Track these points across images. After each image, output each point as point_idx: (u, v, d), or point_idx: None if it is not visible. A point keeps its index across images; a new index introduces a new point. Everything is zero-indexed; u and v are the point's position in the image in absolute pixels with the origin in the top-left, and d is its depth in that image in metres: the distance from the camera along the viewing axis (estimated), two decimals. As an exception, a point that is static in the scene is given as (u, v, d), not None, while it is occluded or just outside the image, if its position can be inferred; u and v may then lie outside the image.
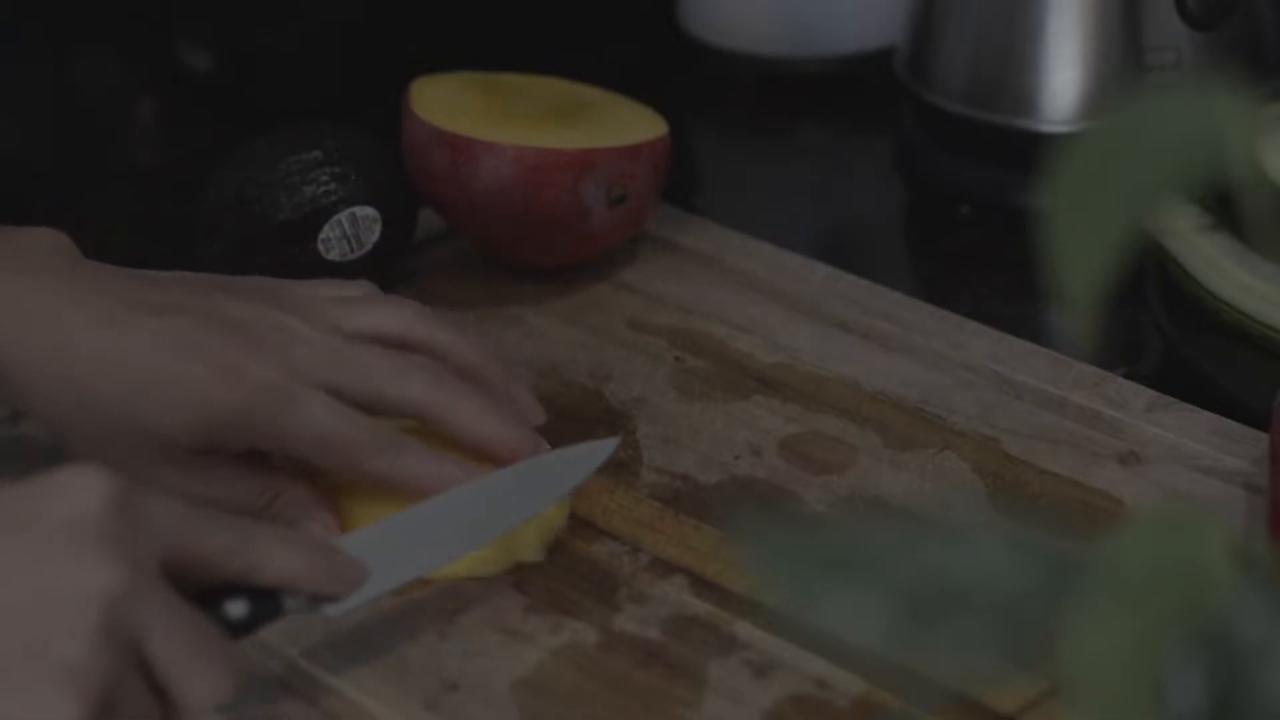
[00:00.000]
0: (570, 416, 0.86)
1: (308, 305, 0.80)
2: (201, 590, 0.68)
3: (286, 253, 0.90)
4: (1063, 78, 1.02)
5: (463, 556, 0.76)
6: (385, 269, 0.94)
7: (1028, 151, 1.02)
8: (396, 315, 0.81)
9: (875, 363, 0.89)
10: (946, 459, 0.83)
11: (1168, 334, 0.89)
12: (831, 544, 0.45)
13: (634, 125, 0.95)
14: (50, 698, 0.65)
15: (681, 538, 0.79)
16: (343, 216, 0.91)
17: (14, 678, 0.65)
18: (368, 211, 0.91)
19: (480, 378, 0.81)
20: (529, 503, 0.77)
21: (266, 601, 0.70)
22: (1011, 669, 0.44)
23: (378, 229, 0.92)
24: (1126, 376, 0.87)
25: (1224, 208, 0.91)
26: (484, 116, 0.93)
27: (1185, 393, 0.85)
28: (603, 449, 0.80)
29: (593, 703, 0.71)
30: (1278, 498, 0.75)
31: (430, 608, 0.76)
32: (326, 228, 0.91)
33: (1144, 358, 0.92)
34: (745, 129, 1.19)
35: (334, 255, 0.91)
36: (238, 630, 0.69)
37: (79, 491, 0.67)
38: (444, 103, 0.94)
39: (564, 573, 0.77)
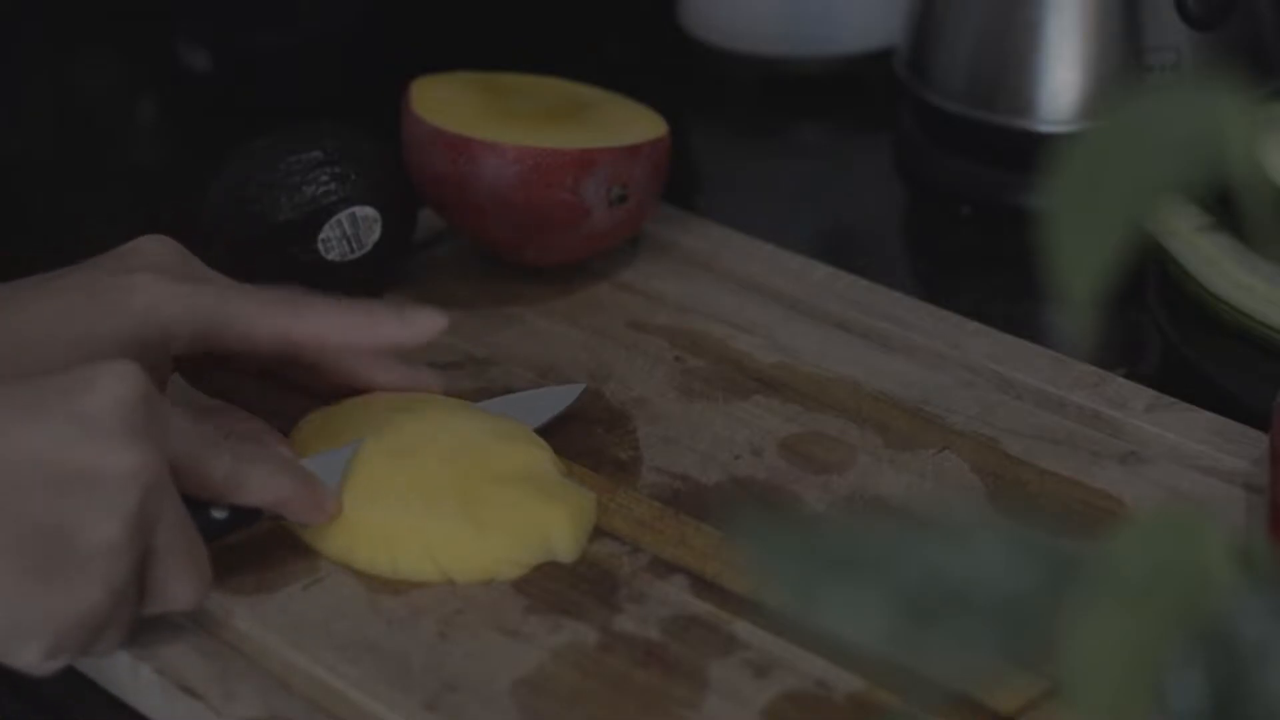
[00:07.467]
0: (570, 416, 0.86)
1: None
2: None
3: (286, 253, 0.90)
4: (1063, 78, 1.03)
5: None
6: (385, 269, 0.94)
7: (1028, 151, 1.02)
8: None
9: (875, 363, 0.89)
10: (946, 459, 0.83)
11: (1168, 334, 0.89)
12: (831, 544, 0.45)
13: (634, 125, 0.95)
14: (80, 580, 0.66)
15: (681, 538, 0.79)
16: (343, 216, 0.91)
17: (43, 560, 0.66)
18: (368, 211, 0.91)
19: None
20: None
21: (246, 512, 0.75)
22: (1011, 669, 0.44)
23: (378, 229, 0.92)
24: (1126, 376, 0.87)
25: (1224, 208, 0.91)
26: (484, 116, 0.93)
27: (1185, 393, 0.85)
28: (569, 393, 0.85)
29: (593, 703, 0.71)
30: (1278, 498, 0.75)
31: (430, 608, 0.76)
32: (326, 228, 0.91)
33: (1144, 358, 0.92)
34: (745, 129, 1.19)
35: (334, 255, 0.91)
36: (210, 533, 0.73)
37: (112, 379, 0.68)
38: (444, 103, 0.94)
39: (564, 573, 0.77)
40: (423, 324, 0.79)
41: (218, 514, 0.74)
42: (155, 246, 0.80)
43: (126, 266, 0.78)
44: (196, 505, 0.72)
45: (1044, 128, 1.03)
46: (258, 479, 0.73)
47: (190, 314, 0.77)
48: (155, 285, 0.77)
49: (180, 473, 0.70)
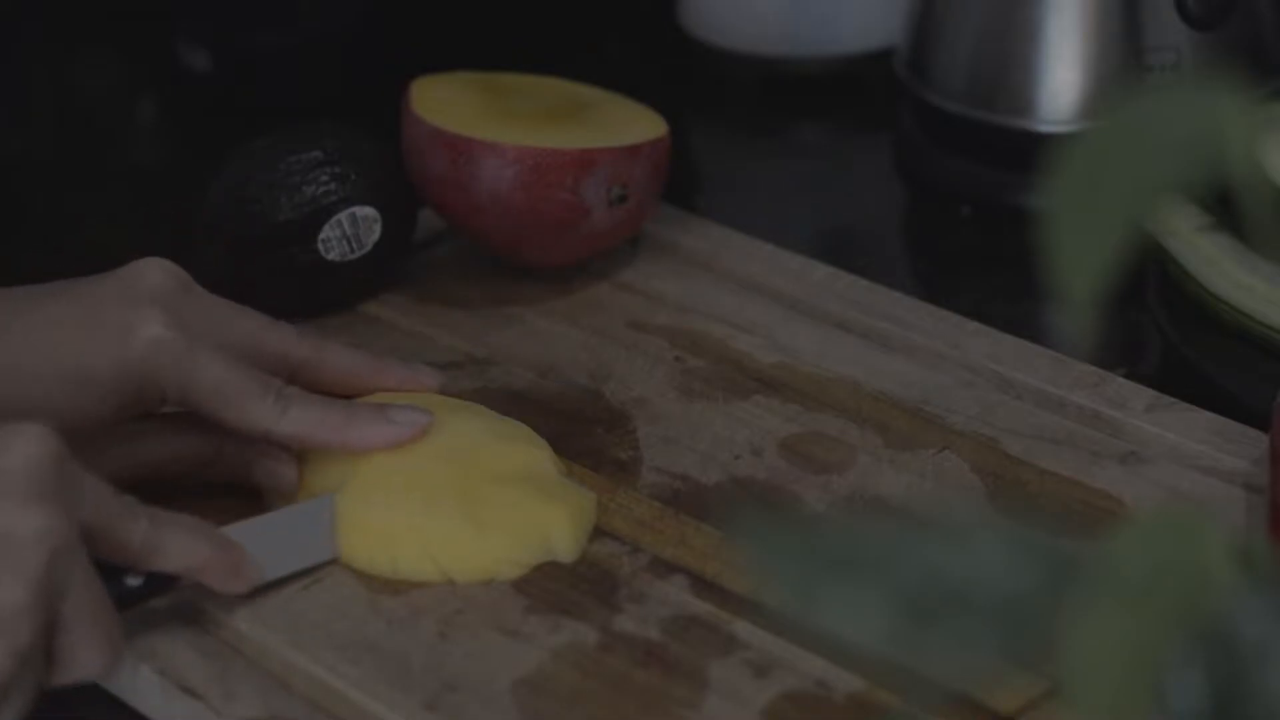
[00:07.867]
0: (570, 417, 0.86)
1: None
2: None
3: (286, 252, 0.90)
4: (1063, 78, 1.02)
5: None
6: (385, 269, 0.94)
7: (1028, 151, 1.02)
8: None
9: (875, 363, 0.89)
10: (946, 459, 0.83)
11: (1168, 334, 0.89)
12: (831, 544, 0.45)
13: (634, 125, 0.95)
14: None
15: (681, 538, 0.79)
16: (343, 216, 0.91)
17: None
18: (368, 211, 0.91)
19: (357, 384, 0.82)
20: None
21: (161, 578, 0.72)
22: (1011, 669, 0.44)
23: (378, 229, 0.92)
24: (1126, 376, 0.87)
25: (1224, 208, 0.91)
26: (484, 116, 0.93)
27: (1185, 393, 0.85)
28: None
29: (593, 703, 0.71)
30: (1278, 498, 0.75)
31: (430, 608, 0.76)
32: (326, 228, 0.91)
33: (1144, 358, 0.92)
34: (745, 129, 1.19)
35: (334, 255, 0.91)
36: (124, 601, 0.71)
37: (23, 442, 0.67)
38: (444, 103, 0.94)
39: (564, 573, 0.77)
40: (408, 420, 0.79)
41: (132, 581, 0.71)
42: (159, 276, 0.78)
43: (130, 296, 0.77)
44: (110, 571, 0.70)
45: (1044, 128, 1.03)
46: (175, 545, 0.71)
47: (182, 390, 0.76)
48: (157, 329, 0.76)
49: (95, 538, 0.68)
